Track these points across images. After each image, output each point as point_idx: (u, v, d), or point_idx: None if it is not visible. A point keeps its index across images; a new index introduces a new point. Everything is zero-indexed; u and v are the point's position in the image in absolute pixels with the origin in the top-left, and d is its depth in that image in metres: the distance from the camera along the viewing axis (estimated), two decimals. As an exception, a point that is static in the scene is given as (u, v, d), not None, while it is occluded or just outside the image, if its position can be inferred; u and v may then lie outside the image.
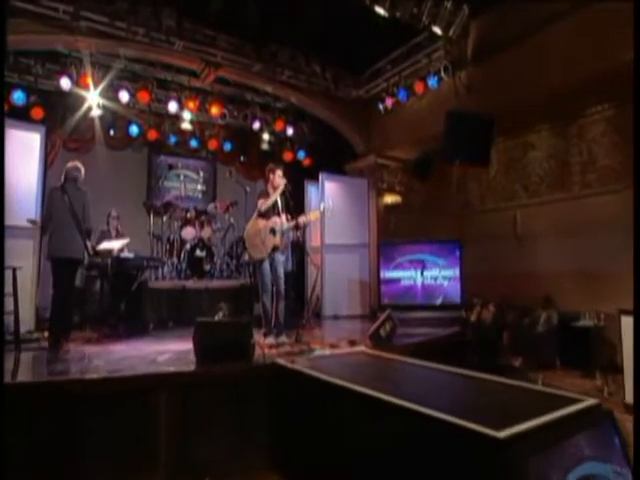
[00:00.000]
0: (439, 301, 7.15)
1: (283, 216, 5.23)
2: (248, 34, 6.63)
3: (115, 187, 8.02)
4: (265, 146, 9.17)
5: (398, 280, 7.49)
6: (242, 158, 9.37)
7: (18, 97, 6.98)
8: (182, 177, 9.33)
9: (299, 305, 7.89)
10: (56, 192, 4.99)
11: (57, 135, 7.94)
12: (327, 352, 4.45)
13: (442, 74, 6.44)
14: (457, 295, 7.03)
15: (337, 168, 8.92)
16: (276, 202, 5.24)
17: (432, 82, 6.66)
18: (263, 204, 5.11)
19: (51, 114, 7.57)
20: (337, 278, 8.27)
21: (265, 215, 5.15)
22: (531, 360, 5.95)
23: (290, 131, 8.79)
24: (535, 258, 7.28)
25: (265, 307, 5.04)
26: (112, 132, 8.13)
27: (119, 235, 6.69)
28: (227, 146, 9.13)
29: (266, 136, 9.07)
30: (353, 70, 7.81)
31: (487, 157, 6.11)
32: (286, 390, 3.69)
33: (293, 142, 9.53)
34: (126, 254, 6.28)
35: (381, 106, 7.79)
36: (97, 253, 5.85)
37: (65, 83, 6.81)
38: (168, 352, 4.49)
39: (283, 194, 5.24)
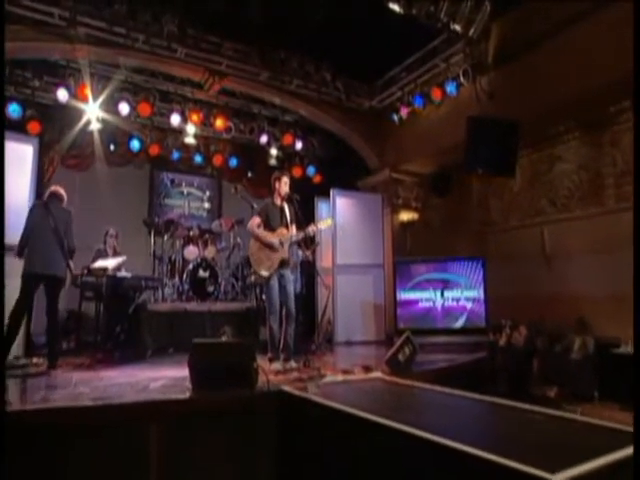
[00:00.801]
0: (461, 324, 6.76)
1: (293, 228, 4.99)
2: (254, 40, 6.50)
3: (115, 205, 7.83)
4: (273, 162, 8.98)
5: (416, 301, 7.13)
6: (249, 174, 9.20)
7: (14, 110, 6.88)
8: (186, 195, 9.22)
9: (309, 330, 7.56)
10: (39, 208, 4.86)
11: (55, 151, 7.84)
12: (340, 378, 4.10)
13: (461, 79, 6.22)
14: (481, 318, 6.64)
15: (349, 185, 8.70)
16: (284, 212, 5.00)
17: (450, 88, 6.45)
18: (256, 225, 4.85)
19: (48, 128, 7.49)
20: (350, 301, 7.94)
21: (270, 227, 4.90)
22: (566, 390, 5.52)
23: (299, 145, 8.61)
24: (566, 278, 6.89)
25: (272, 330, 4.73)
26: (112, 147, 7.99)
27: (117, 254, 6.45)
28: (233, 162, 8.98)
29: (274, 151, 8.91)
30: (365, 79, 7.66)
31: (512, 166, 5.82)
32: (294, 421, 3.35)
33: (302, 158, 9.36)
34: (123, 273, 6.05)
35: (395, 117, 7.58)
36: (90, 272, 5.63)
37: (62, 95, 6.69)
38: (163, 379, 4.17)
39: (291, 203, 5.00)
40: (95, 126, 7.41)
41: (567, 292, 6.72)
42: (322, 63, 7.06)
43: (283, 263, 4.86)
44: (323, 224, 5.10)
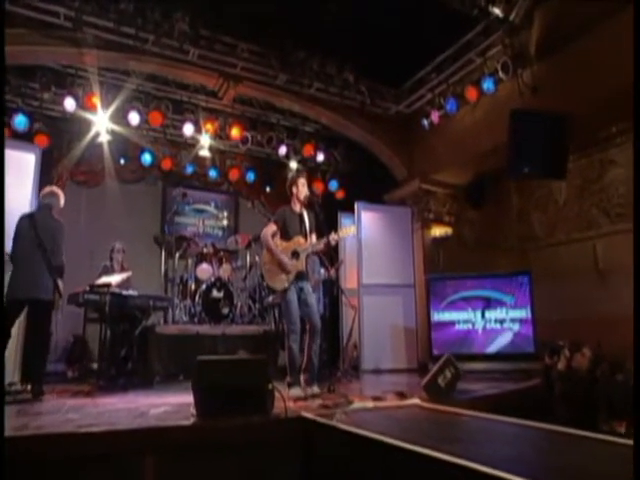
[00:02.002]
0: (506, 349, 6.18)
1: (313, 237, 4.64)
2: (271, 41, 6.29)
3: (126, 223, 7.63)
4: (292, 174, 8.65)
5: (452, 324, 6.60)
6: (267, 189, 8.92)
7: (20, 122, 6.74)
8: (200, 212, 9.01)
9: (332, 356, 7.09)
10: (23, 220, 4.49)
11: (63, 166, 7.70)
12: (370, 405, 3.63)
13: (500, 74, 5.82)
14: (529, 341, 6.04)
15: (375, 199, 8.30)
16: (303, 220, 4.64)
17: (488, 85, 6.06)
18: (270, 233, 4.52)
19: (57, 142, 7.37)
20: (377, 324, 7.46)
21: (288, 236, 4.55)
22: (632, 426, 4.89)
23: (321, 157, 8.32)
24: (622, 297, 6.27)
25: (291, 351, 4.29)
26: (123, 161, 7.83)
27: (124, 271, 6.16)
28: (250, 176, 8.73)
29: (294, 164, 8.63)
30: (391, 82, 7.35)
31: (563, 166, 5.35)
32: (317, 452, 2.91)
33: (324, 172, 9.06)
34: (129, 292, 5.73)
35: (425, 122, 7.22)
36: (92, 289, 5.32)
37: (70, 104, 6.55)
38: (165, 405, 3.77)
39: (311, 209, 4.64)
40: (104, 138, 7.26)
41: (625, 312, 6.09)
42: (344, 64, 6.78)
43: (300, 275, 4.48)
44: (345, 232, 4.71)
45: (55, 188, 4.90)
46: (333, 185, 9.02)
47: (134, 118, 6.96)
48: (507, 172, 5.59)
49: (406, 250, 7.92)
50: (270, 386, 3.17)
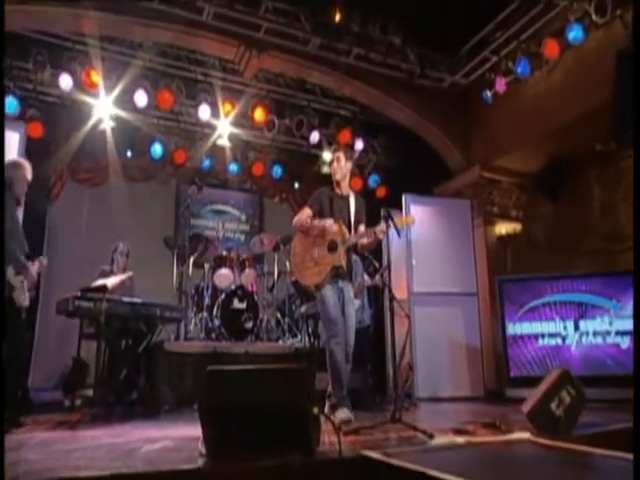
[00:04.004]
0: (613, 371, 5.04)
1: (361, 227, 3.91)
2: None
3: (134, 227, 6.92)
4: (326, 169, 7.86)
5: (534, 337, 5.53)
6: (296, 185, 8.21)
7: (10, 105, 6.09)
8: (219, 214, 8.34)
9: (378, 378, 6.13)
10: None
11: (62, 162, 7.05)
12: (460, 440, 2.63)
13: (593, 17, 4.85)
14: (641, 359, 4.93)
15: (424, 194, 7.38)
16: (347, 205, 3.89)
17: (575, 34, 5.09)
18: (305, 219, 3.82)
19: (53, 132, 6.71)
20: (433, 342, 6.48)
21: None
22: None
23: (359, 145, 7.46)
24: None
25: (334, 357, 3.46)
26: (130, 154, 7.17)
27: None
28: (277, 171, 8.02)
29: (327, 155, 7.79)
30: (446, 47, 6.46)
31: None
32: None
33: (362, 167, 8.21)
34: (132, 299, 4.90)
35: (488, 93, 6.29)
36: (84, 294, 4.48)
37: (66, 82, 5.93)
38: (165, 440, 2.86)
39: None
40: (108, 125, 6.58)
41: None
42: (389, 24, 5.94)
43: (337, 272, 3.69)
44: (402, 222, 3.77)
45: (21, 160, 4.15)
46: (374, 181, 8.21)
47: (141, 99, 6.29)
48: (611, 132, 4.60)
49: (465, 251, 6.95)
50: (316, 411, 2.22)
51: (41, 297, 6.47)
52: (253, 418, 2.24)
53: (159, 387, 5.19)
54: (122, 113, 6.65)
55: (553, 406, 2.94)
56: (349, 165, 3.90)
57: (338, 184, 3.95)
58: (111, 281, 4.62)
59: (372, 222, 4.19)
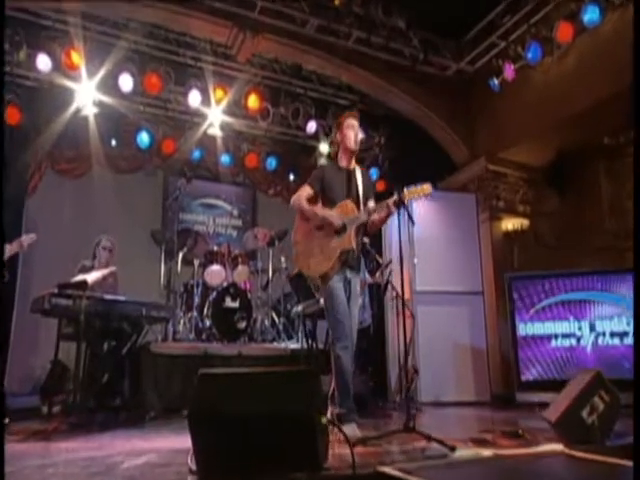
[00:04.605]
0: (630, 373, 4.82)
1: (370, 202, 3.52)
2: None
3: (118, 221, 6.67)
4: (322, 161, 7.64)
5: (547, 338, 5.29)
6: (292, 178, 7.96)
7: (-17, 88, 5.80)
8: (210, 208, 8.07)
9: (379, 382, 5.92)
10: None
11: (41, 150, 6.74)
12: (486, 453, 2.36)
13: (612, -5, 4.67)
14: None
15: (425, 190, 7.17)
16: (353, 179, 3.54)
17: (591, 16, 4.88)
18: (304, 197, 3.47)
19: (31, 119, 6.41)
20: (436, 343, 6.22)
21: (328, 202, 3.45)
22: None
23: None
24: None
25: (340, 363, 3.13)
26: (114, 143, 6.90)
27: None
28: (271, 163, 7.81)
29: (324, 147, 7.59)
30: (451, 33, 6.24)
31: None
32: None
33: (362, 159, 7.96)
34: (116, 297, 4.61)
35: (495, 81, 6.08)
36: (62, 291, 4.18)
37: (44, 63, 5.64)
38: (150, 452, 2.57)
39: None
40: (90, 111, 6.29)
41: None
42: (392, 6, 5.69)
43: (347, 258, 3.34)
44: (416, 193, 3.41)
45: None
46: (372, 174, 7.91)
47: (126, 83, 6.04)
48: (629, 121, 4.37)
49: (470, 248, 6.69)
50: (324, 420, 1.95)
51: (18, 296, 6.21)
52: (251, 429, 1.96)
53: (144, 392, 4.93)
54: (106, 99, 6.37)
55: (584, 413, 2.68)
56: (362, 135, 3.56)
57: (347, 156, 3.57)
58: (92, 277, 4.32)
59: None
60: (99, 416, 4.41)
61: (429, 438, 2.59)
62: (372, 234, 4.00)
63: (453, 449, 2.39)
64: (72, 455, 2.62)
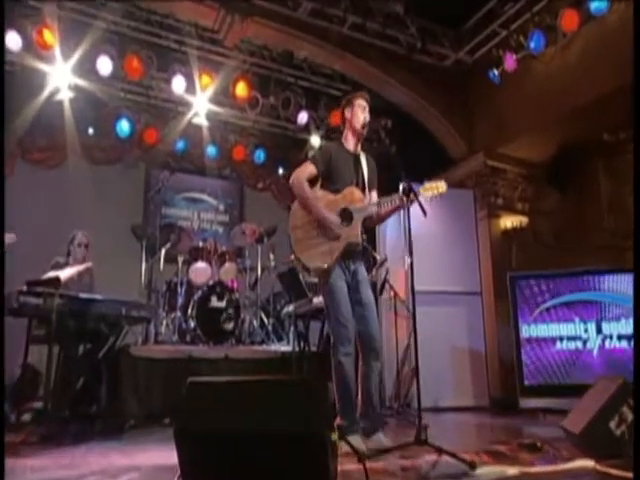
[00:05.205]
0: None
1: (374, 193, 3.37)
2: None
3: (97, 216, 6.38)
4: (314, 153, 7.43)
5: (551, 341, 5.14)
6: (281, 171, 7.79)
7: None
8: (194, 202, 7.86)
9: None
10: None
11: (12, 140, 6.44)
12: (512, 471, 2.15)
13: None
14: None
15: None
16: (359, 164, 3.35)
17: (597, 4, 4.77)
18: (305, 177, 3.22)
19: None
20: (433, 346, 5.98)
21: (333, 185, 3.22)
22: None
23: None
24: None
25: (342, 370, 2.92)
26: (91, 131, 6.67)
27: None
28: (259, 156, 7.62)
29: (315, 139, 7.37)
30: (450, 21, 6.07)
31: None
32: None
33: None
34: (92, 295, 4.34)
35: (495, 72, 5.97)
36: (31, 289, 3.89)
37: (14, 41, 5.31)
38: (130, 470, 2.32)
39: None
40: (66, 95, 6.00)
41: None
42: (389, -10, 5.52)
43: (352, 251, 3.13)
44: (432, 189, 3.27)
45: None
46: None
47: (105, 66, 5.75)
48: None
49: (468, 246, 6.57)
50: (334, 437, 1.71)
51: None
52: (248, 447, 1.72)
53: (123, 399, 4.68)
54: (83, 83, 6.06)
55: (612, 425, 2.49)
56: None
57: (355, 138, 3.37)
58: (65, 273, 4.07)
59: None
60: (73, 426, 4.13)
61: (443, 452, 2.37)
62: (369, 228, 3.81)
63: (473, 466, 2.17)
64: (40, 475, 2.35)
